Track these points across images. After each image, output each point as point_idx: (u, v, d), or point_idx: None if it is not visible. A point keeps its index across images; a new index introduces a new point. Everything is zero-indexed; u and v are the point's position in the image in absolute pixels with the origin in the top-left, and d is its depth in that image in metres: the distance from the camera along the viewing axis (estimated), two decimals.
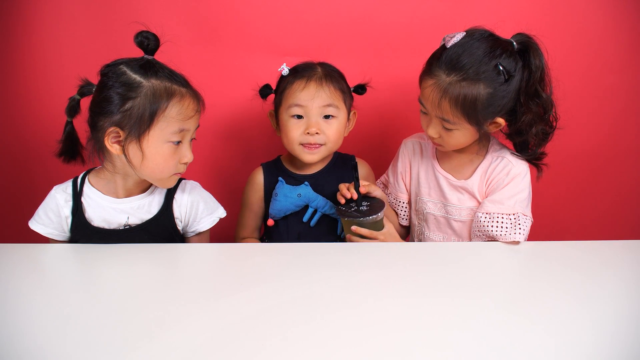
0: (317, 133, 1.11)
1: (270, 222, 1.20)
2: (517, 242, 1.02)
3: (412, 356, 0.62)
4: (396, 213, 1.24)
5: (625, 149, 1.46)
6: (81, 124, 0.98)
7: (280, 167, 1.22)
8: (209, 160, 1.45)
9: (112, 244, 0.98)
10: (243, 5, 1.34)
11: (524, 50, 1.01)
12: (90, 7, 1.33)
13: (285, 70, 1.15)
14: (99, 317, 0.71)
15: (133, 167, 0.95)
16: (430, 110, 1.04)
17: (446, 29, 1.05)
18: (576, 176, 1.48)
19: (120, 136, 0.92)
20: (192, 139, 0.99)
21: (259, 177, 1.22)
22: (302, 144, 1.13)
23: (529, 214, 1.06)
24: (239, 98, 1.35)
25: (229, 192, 1.42)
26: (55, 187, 1.03)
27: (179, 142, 0.96)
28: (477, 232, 1.08)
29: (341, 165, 1.22)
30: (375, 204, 1.08)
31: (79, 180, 1.02)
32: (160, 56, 0.97)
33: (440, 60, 1.00)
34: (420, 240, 1.21)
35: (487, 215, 1.05)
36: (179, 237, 1.07)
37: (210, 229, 1.08)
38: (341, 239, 1.20)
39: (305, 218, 1.18)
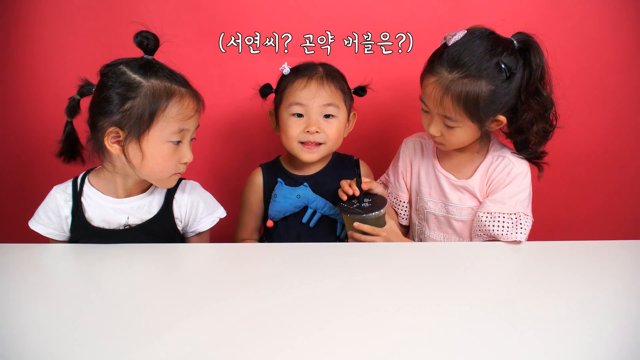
0: (317, 132, 1.11)
1: (270, 223, 1.20)
2: (519, 242, 1.02)
3: (413, 356, 0.62)
4: (396, 212, 1.24)
5: (625, 149, 1.46)
6: (81, 124, 0.98)
7: (279, 168, 1.22)
8: (209, 160, 1.45)
9: (112, 244, 0.98)
10: (243, 5, 1.34)
11: (525, 48, 1.01)
12: (90, 7, 1.33)
13: (286, 70, 1.15)
14: (99, 317, 0.71)
15: (133, 167, 0.95)
16: (432, 108, 1.04)
17: (446, 29, 1.05)
18: (576, 176, 1.48)
19: (120, 136, 0.92)
20: (192, 139, 0.99)
21: (258, 178, 1.22)
22: (301, 143, 1.13)
23: (530, 213, 1.06)
24: (239, 98, 1.35)
25: (228, 192, 1.42)
26: (55, 187, 1.03)
27: (178, 142, 0.96)
28: (478, 232, 1.07)
29: (340, 166, 1.22)
30: (378, 201, 1.07)
31: (78, 180, 1.02)
32: (160, 56, 0.97)
33: (442, 58, 1.00)
34: (420, 240, 1.21)
35: (489, 215, 1.05)
36: (179, 237, 1.07)
37: (210, 229, 1.08)
38: (340, 239, 1.20)
39: (305, 219, 1.18)
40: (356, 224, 1.04)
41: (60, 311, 0.73)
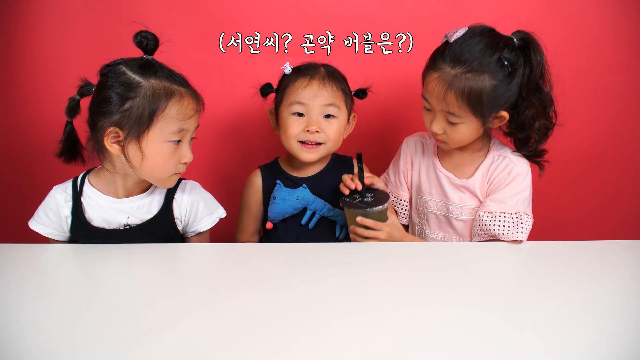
0: (317, 131, 1.11)
1: (269, 225, 1.20)
2: (520, 241, 1.02)
3: (413, 356, 0.62)
4: (396, 212, 1.24)
5: (625, 149, 1.46)
6: (81, 124, 0.98)
7: (278, 169, 1.22)
8: (209, 160, 1.45)
9: (112, 244, 0.98)
10: (243, 5, 1.34)
11: (525, 46, 1.02)
12: (90, 7, 1.33)
13: (288, 69, 1.15)
14: (99, 317, 0.71)
15: (133, 167, 0.95)
16: (435, 105, 1.03)
17: (446, 29, 1.05)
18: (576, 176, 1.48)
19: (119, 136, 0.92)
20: (192, 138, 0.99)
21: (257, 180, 1.21)
22: (300, 142, 1.13)
23: (530, 213, 1.06)
24: (239, 98, 1.35)
25: (228, 192, 1.42)
26: (55, 187, 1.03)
27: (178, 142, 0.96)
28: (479, 231, 1.07)
29: (339, 167, 1.21)
30: (380, 195, 1.07)
31: (78, 180, 1.02)
32: (160, 56, 0.97)
33: (444, 54, 1.01)
34: (420, 239, 1.21)
35: (489, 214, 1.05)
36: (179, 237, 1.07)
37: (210, 229, 1.08)
38: (340, 241, 1.20)
39: (304, 220, 1.18)
40: (359, 219, 1.03)
41: (60, 311, 0.73)
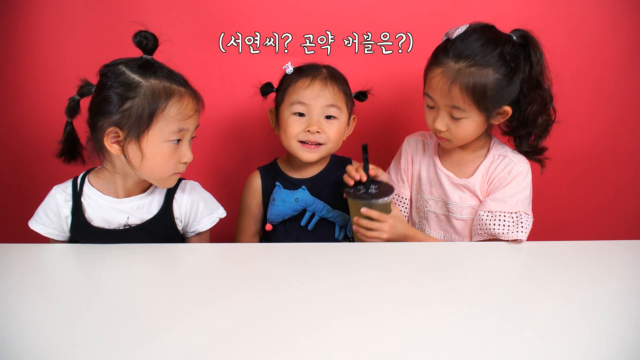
0: (317, 132, 1.11)
1: (269, 227, 1.19)
2: (520, 241, 1.02)
3: (413, 356, 0.62)
4: None
5: (625, 149, 1.46)
6: (81, 124, 0.98)
7: (277, 170, 1.22)
8: (209, 160, 1.45)
9: (112, 244, 0.98)
10: (243, 5, 1.34)
11: (524, 44, 1.03)
12: (90, 7, 1.33)
13: (289, 69, 1.15)
14: (99, 317, 0.71)
15: (132, 167, 0.95)
16: (439, 100, 1.03)
17: (446, 29, 1.05)
18: (576, 176, 1.48)
19: (119, 136, 0.92)
20: (192, 138, 0.99)
21: (256, 182, 1.21)
22: (301, 142, 1.13)
23: (530, 212, 1.06)
24: (239, 98, 1.35)
25: (228, 192, 1.42)
26: (55, 187, 1.03)
27: (178, 142, 0.95)
28: (479, 231, 1.07)
29: (339, 168, 1.21)
30: (385, 187, 1.06)
31: (78, 180, 1.02)
32: (159, 56, 0.97)
33: (447, 49, 1.01)
34: (422, 233, 1.20)
35: (490, 214, 1.05)
36: (179, 237, 1.07)
37: (210, 229, 1.08)
38: (339, 242, 1.20)
39: (303, 222, 1.18)
40: (363, 210, 1.02)
41: (60, 311, 0.73)
